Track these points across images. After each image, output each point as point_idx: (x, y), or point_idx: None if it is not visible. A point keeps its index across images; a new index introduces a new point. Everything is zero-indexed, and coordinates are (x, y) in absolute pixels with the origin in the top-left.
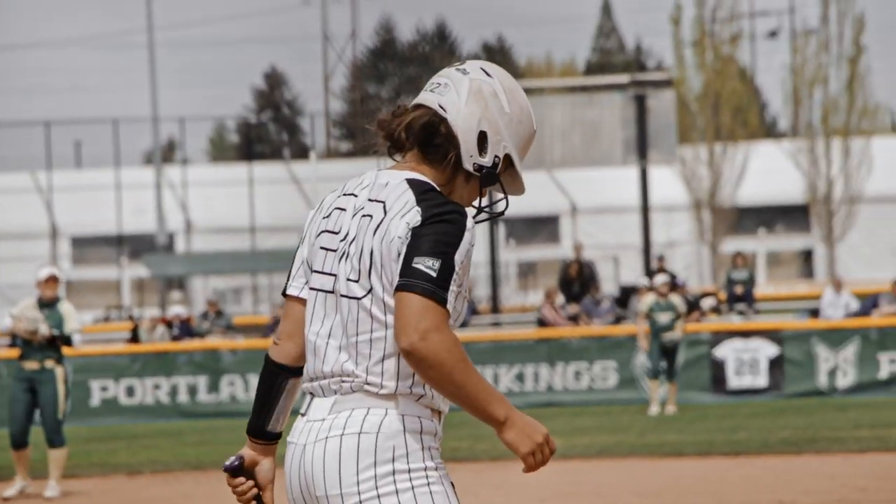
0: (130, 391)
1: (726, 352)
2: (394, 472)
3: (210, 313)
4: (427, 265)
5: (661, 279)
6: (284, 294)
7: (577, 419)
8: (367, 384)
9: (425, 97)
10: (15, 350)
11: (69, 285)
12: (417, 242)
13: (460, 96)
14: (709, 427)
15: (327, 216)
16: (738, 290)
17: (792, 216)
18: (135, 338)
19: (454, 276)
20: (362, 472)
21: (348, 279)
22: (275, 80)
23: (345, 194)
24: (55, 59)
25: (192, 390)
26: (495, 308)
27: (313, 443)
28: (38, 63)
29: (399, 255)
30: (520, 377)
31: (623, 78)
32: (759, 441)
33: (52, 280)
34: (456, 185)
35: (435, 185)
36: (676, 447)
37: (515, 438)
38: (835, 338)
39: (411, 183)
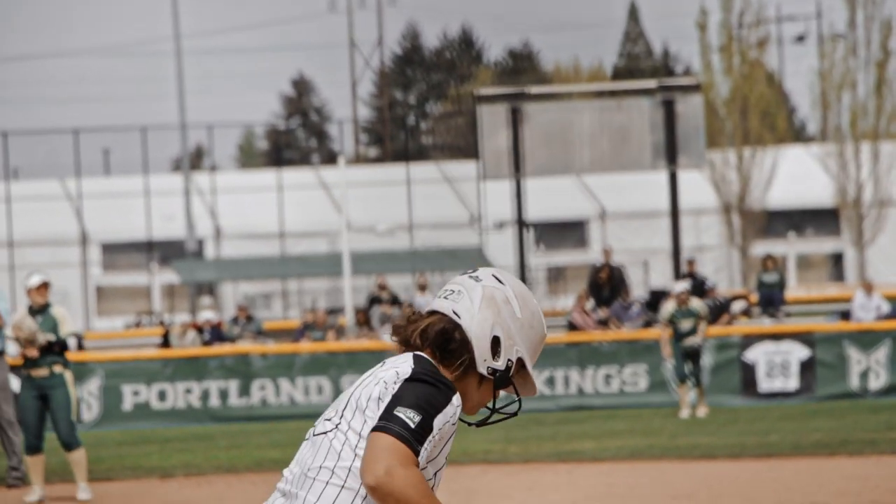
0: (162, 395)
1: (757, 355)
2: None
3: (240, 318)
4: (408, 416)
5: (680, 286)
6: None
7: (609, 422)
8: None
9: (440, 304)
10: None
11: (100, 291)
12: (403, 393)
13: (473, 303)
14: (740, 430)
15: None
16: (769, 293)
17: (822, 219)
18: (166, 343)
19: (430, 437)
20: None
21: (324, 419)
22: (303, 86)
23: None
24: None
25: (224, 394)
26: None
27: None
28: (67, 71)
29: (380, 397)
30: (550, 381)
31: (651, 83)
32: (790, 443)
33: (44, 287)
34: (468, 387)
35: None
36: (708, 450)
37: None
38: (866, 340)
39: (416, 356)
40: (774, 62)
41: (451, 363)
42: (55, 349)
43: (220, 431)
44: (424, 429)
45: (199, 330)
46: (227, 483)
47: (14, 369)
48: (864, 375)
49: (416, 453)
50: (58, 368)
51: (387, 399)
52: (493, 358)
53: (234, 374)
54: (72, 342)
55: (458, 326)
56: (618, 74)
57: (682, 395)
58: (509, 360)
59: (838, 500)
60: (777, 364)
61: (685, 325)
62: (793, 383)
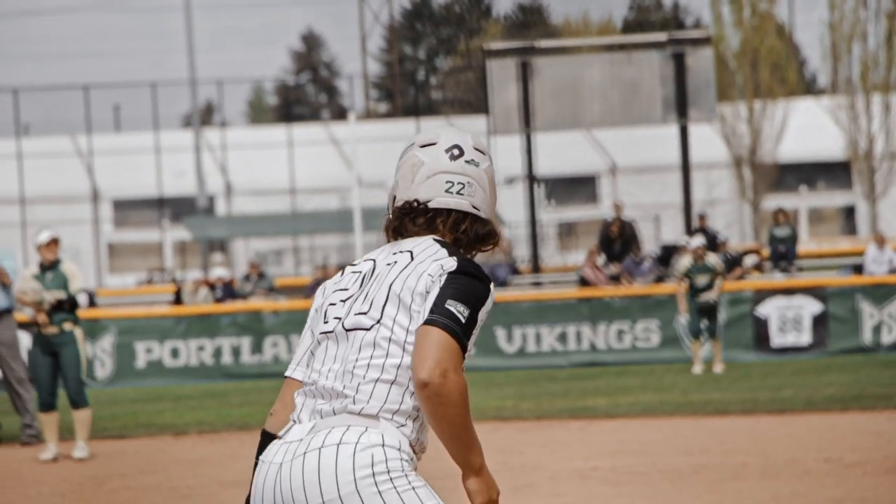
0: (175, 353)
1: (769, 309)
2: (374, 475)
3: (252, 275)
4: (458, 310)
5: (696, 241)
6: (285, 375)
7: (621, 378)
8: (353, 404)
9: (455, 201)
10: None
11: (111, 248)
12: (451, 287)
13: (486, 192)
14: (753, 385)
15: (338, 281)
16: (781, 247)
17: (833, 173)
18: (178, 300)
19: (476, 329)
20: (342, 480)
21: (357, 314)
22: (312, 41)
23: (362, 261)
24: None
25: (236, 352)
26: (536, 268)
27: (290, 461)
28: (76, 27)
29: (427, 290)
30: (562, 337)
31: (661, 36)
32: (804, 399)
33: (54, 243)
34: None
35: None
36: (721, 405)
37: (480, 488)
38: (879, 294)
39: (440, 241)
40: (785, 14)
41: (471, 250)
42: (65, 307)
43: (232, 388)
44: (472, 322)
45: (211, 287)
46: (241, 440)
47: (24, 326)
48: (877, 330)
49: (465, 349)
50: (68, 326)
51: (434, 292)
52: None
53: (247, 331)
54: (82, 298)
55: (484, 221)
56: (627, 28)
57: (696, 350)
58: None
59: (852, 455)
60: (789, 319)
61: (701, 280)
62: (805, 338)
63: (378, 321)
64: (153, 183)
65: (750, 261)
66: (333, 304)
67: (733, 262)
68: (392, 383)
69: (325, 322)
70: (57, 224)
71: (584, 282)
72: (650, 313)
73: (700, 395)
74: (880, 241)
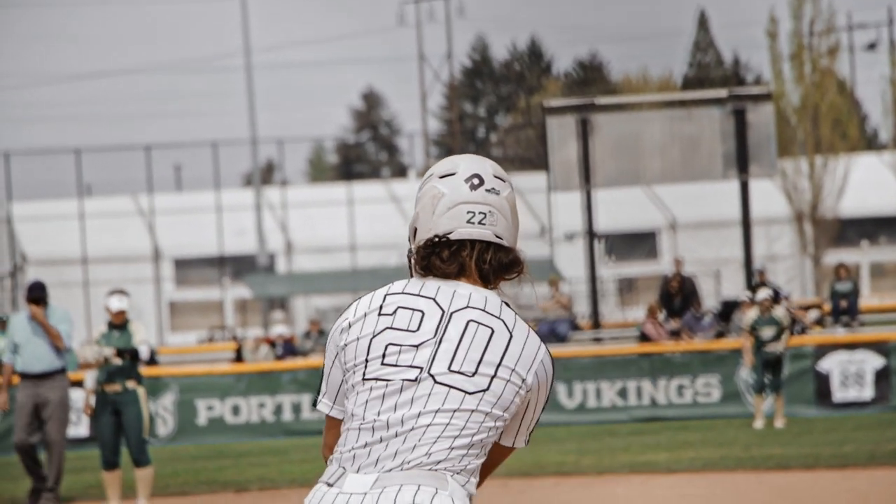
0: (236, 410)
1: (831, 364)
2: None
3: (312, 332)
4: (527, 438)
5: (763, 293)
6: (325, 412)
7: (682, 433)
8: (426, 458)
9: (481, 232)
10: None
11: (173, 306)
12: (535, 410)
13: (507, 220)
14: (815, 440)
15: (389, 314)
16: (843, 302)
17: (895, 227)
18: (239, 357)
19: None
20: None
21: (455, 371)
22: (372, 100)
23: (408, 294)
24: (155, 84)
25: (297, 408)
26: (596, 324)
27: None
28: (138, 88)
29: (533, 388)
30: (622, 392)
31: (721, 92)
32: (866, 454)
33: (121, 313)
34: None
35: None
36: (782, 461)
37: None
38: None
39: (508, 305)
40: (846, 70)
41: (496, 280)
42: (125, 357)
43: (293, 445)
44: None
45: (272, 344)
46: (301, 496)
47: (77, 384)
48: None
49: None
50: (130, 384)
51: (535, 404)
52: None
53: (307, 388)
54: (143, 349)
55: (507, 250)
56: (687, 84)
57: (758, 405)
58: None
59: None
60: (851, 373)
61: (767, 332)
62: (867, 393)
63: (484, 391)
64: (214, 241)
65: (812, 316)
66: (396, 345)
67: (792, 320)
68: (469, 447)
69: (391, 364)
70: (118, 283)
71: (644, 337)
72: (711, 368)
73: (761, 451)
74: None
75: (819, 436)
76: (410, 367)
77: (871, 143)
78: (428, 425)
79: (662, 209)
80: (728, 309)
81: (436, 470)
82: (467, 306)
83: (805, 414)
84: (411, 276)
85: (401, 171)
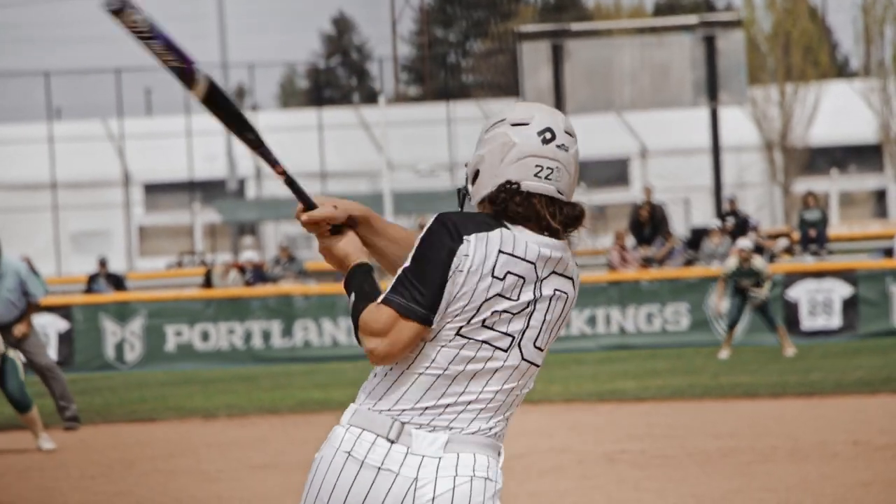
0: (205, 336)
1: (799, 293)
2: None
3: (282, 258)
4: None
5: (744, 243)
6: (425, 320)
7: (650, 362)
8: (484, 432)
9: (546, 187)
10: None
11: (142, 231)
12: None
13: (571, 175)
14: (782, 368)
15: (500, 279)
16: (812, 231)
17: (864, 156)
18: (208, 283)
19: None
20: None
21: (536, 346)
22: (343, 25)
23: (515, 256)
24: None
25: (266, 335)
26: None
27: (433, 480)
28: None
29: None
30: (591, 320)
31: (692, 18)
32: (833, 382)
33: None
34: None
35: None
36: (750, 388)
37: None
38: None
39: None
40: None
41: (563, 232)
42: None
43: (262, 372)
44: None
45: (242, 270)
46: (271, 424)
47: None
48: None
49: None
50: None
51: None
52: None
53: (277, 314)
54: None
55: (572, 204)
56: (659, 10)
57: (728, 338)
58: None
59: (881, 438)
60: (819, 302)
61: (745, 283)
62: (835, 321)
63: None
64: (184, 166)
65: (780, 244)
66: (498, 312)
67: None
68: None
69: (490, 328)
70: (88, 208)
71: (611, 265)
72: (680, 296)
73: (729, 379)
74: None
75: (786, 364)
76: (505, 334)
77: (841, 70)
78: (503, 400)
79: (633, 136)
80: (697, 237)
81: (496, 438)
82: (553, 273)
83: (773, 342)
84: (461, 209)
85: (371, 97)
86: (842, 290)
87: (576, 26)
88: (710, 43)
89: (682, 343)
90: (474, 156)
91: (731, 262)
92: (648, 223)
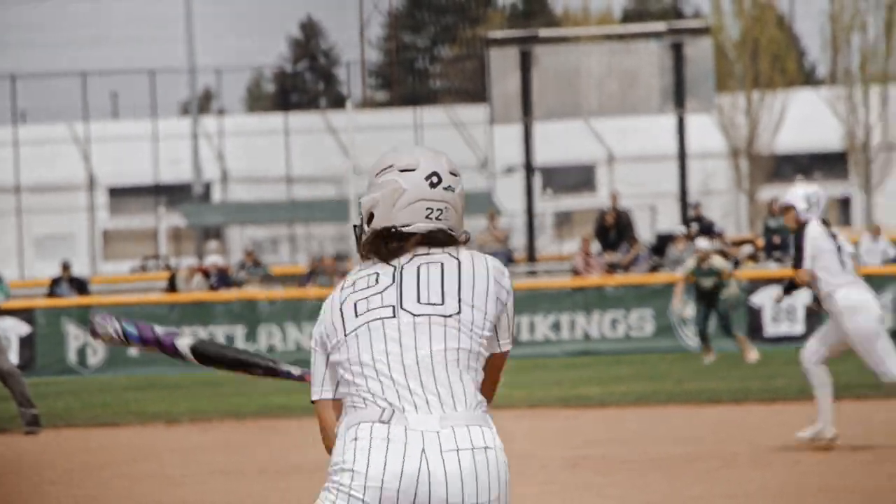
0: None
1: (763, 299)
2: (507, 483)
3: (247, 263)
4: (510, 340)
5: (703, 243)
6: (315, 400)
7: (614, 368)
8: (477, 404)
9: (436, 226)
10: None
11: (106, 234)
12: (510, 314)
13: (458, 213)
14: (746, 374)
15: (348, 286)
16: (776, 238)
17: (830, 163)
18: (172, 287)
19: None
20: (502, 485)
21: (423, 303)
22: (311, 29)
23: (362, 269)
24: (90, 10)
25: (230, 340)
26: (532, 257)
27: (439, 453)
28: (73, 14)
29: (497, 298)
30: (556, 326)
31: (660, 25)
32: (796, 388)
33: None
34: None
35: None
36: (713, 394)
37: None
38: (872, 285)
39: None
40: (785, 4)
41: None
42: None
43: (225, 377)
44: None
45: (206, 274)
46: (233, 428)
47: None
48: None
49: None
50: None
51: (508, 313)
52: None
53: (241, 319)
54: None
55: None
56: (627, 17)
57: (707, 345)
58: None
59: (843, 443)
60: (783, 308)
61: (706, 283)
62: (799, 328)
63: (458, 313)
64: (149, 170)
65: (745, 251)
66: (363, 299)
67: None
68: (476, 369)
69: (364, 311)
70: (53, 212)
71: (575, 271)
72: (644, 302)
73: (693, 385)
74: (875, 232)
75: (750, 370)
76: (382, 307)
77: (808, 78)
78: (441, 359)
79: (600, 143)
80: (662, 243)
81: (481, 411)
82: (414, 255)
83: (737, 348)
84: (358, 247)
85: (338, 102)
86: (805, 297)
87: (544, 32)
88: (677, 50)
89: (647, 349)
90: (368, 198)
91: (690, 263)
92: (614, 228)
